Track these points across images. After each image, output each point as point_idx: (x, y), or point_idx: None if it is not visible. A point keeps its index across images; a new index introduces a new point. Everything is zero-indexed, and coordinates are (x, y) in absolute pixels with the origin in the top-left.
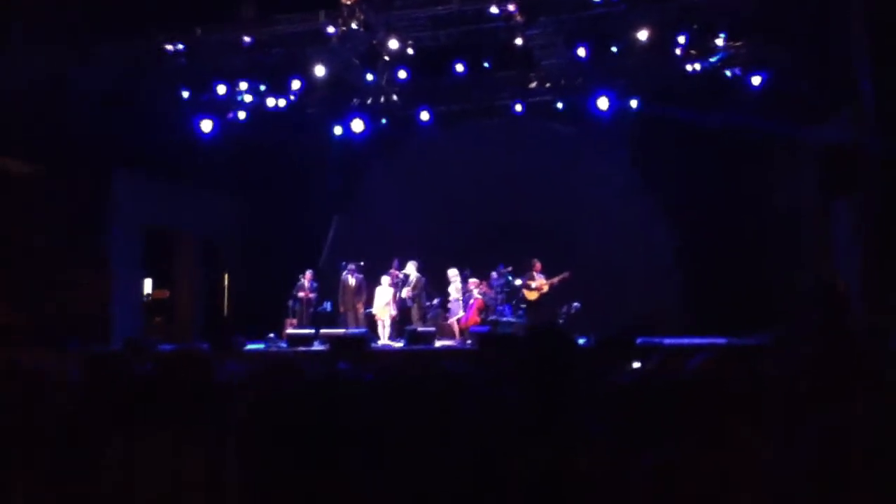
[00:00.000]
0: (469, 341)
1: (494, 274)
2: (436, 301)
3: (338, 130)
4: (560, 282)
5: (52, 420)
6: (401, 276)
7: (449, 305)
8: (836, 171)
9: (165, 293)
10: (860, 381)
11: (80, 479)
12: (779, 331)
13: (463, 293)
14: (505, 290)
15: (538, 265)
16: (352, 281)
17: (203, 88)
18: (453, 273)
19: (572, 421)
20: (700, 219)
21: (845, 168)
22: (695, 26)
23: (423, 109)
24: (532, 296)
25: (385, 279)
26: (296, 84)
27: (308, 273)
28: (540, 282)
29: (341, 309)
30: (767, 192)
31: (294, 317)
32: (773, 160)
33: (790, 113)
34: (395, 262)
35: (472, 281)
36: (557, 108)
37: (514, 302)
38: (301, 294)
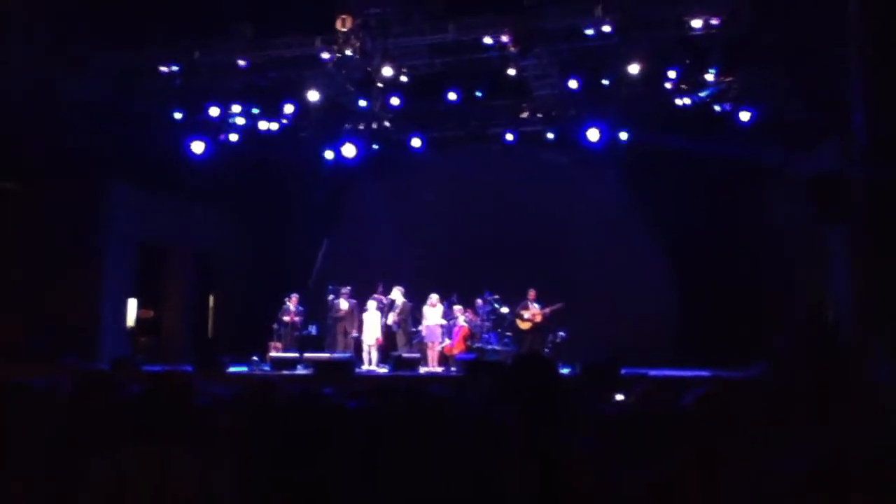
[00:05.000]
0: (454, 368)
1: (480, 301)
2: (421, 327)
3: (329, 155)
4: (552, 312)
5: (42, 436)
6: (386, 300)
7: (424, 333)
8: (827, 201)
9: (150, 313)
10: (851, 405)
11: (69, 494)
12: (768, 362)
13: (448, 319)
14: (491, 317)
15: (533, 294)
16: (344, 305)
17: (196, 110)
18: (434, 298)
19: (560, 441)
20: (691, 248)
21: (837, 197)
22: (686, 61)
23: (415, 135)
24: (525, 326)
25: (372, 304)
26: (289, 108)
27: (294, 297)
28: (533, 311)
29: (337, 331)
30: (760, 220)
31: (279, 340)
32: (765, 188)
33: (781, 141)
34: (380, 287)
35: (458, 308)
36: (549, 138)
37: (500, 330)
38: (286, 318)
